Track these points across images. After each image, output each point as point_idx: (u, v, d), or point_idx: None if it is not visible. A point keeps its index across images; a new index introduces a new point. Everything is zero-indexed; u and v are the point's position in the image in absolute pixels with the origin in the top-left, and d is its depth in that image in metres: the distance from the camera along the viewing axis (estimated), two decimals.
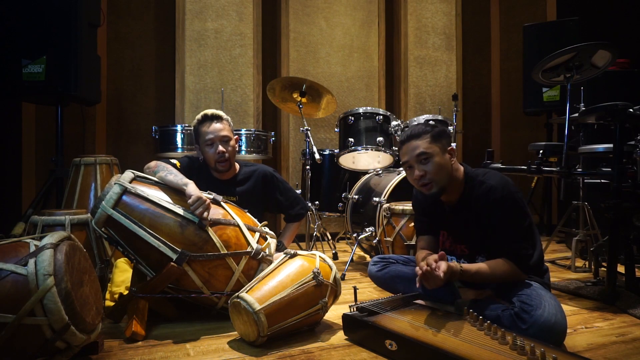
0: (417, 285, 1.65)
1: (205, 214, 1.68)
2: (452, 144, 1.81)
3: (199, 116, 2.16)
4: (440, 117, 3.25)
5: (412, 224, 2.47)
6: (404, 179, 2.73)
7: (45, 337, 1.21)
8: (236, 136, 2.36)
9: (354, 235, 2.90)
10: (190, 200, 1.68)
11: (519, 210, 1.68)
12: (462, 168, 1.81)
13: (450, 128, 3.25)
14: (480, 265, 1.68)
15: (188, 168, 2.15)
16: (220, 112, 2.17)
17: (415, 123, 2.89)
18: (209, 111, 2.16)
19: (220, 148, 2.11)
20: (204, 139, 2.13)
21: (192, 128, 2.27)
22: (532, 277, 1.70)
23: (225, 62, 3.81)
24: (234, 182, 2.26)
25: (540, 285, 1.65)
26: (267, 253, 1.82)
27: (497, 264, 1.67)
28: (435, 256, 1.64)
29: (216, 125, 2.12)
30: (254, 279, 1.66)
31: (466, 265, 1.65)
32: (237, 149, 2.59)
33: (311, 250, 2.63)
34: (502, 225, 1.67)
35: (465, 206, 1.76)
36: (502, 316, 1.56)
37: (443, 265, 1.57)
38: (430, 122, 3.17)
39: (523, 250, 1.67)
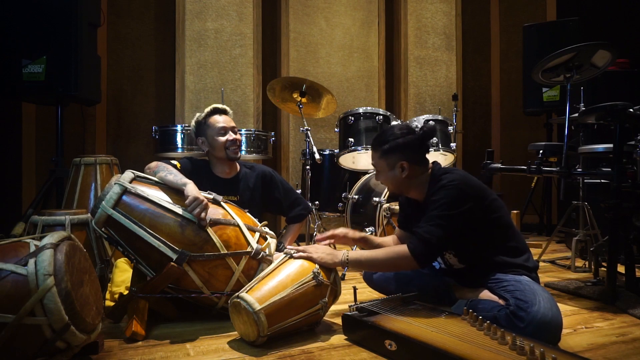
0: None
1: (203, 214, 1.67)
2: (404, 161, 1.75)
3: (207, 109, 2.25)
4: (440, 117, 3.25)
5: None
6: None
7: (45, 337, 1.21)
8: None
9: None
10: (187, 201, 1.68)
11: (452, 198, 1.63)
12: (425, 173, 1.79)
13: (450, 128, 3.25)
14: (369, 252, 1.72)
15: (188, 169, 2.16)
16: (227, 107, 2.29)
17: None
18: (217, 105, 2.27)
19: (233, 135, 2.22)
20: (215, 129, 2.20)
21: (192, 128, 2.29)
22: (521, 271, 1.69)
23: (225, 62, 3.81)
24: (236, 181, 2.28)
25: (531, 280, 1.65)
26: (267, 253, 1.82)
27: (388, 250, 1.71)
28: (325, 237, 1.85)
29: (226, 117, 2.26)
30: (254, 279, 1.66)
31: (353, 253, 1.71)
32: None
33: None
34: (430, 206, 1.67)
35: (427, 205, 1.76)
36: (499, 317, 1.56)
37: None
38: (430, 122, 3.18)
39: (427, 235, 1.61)
